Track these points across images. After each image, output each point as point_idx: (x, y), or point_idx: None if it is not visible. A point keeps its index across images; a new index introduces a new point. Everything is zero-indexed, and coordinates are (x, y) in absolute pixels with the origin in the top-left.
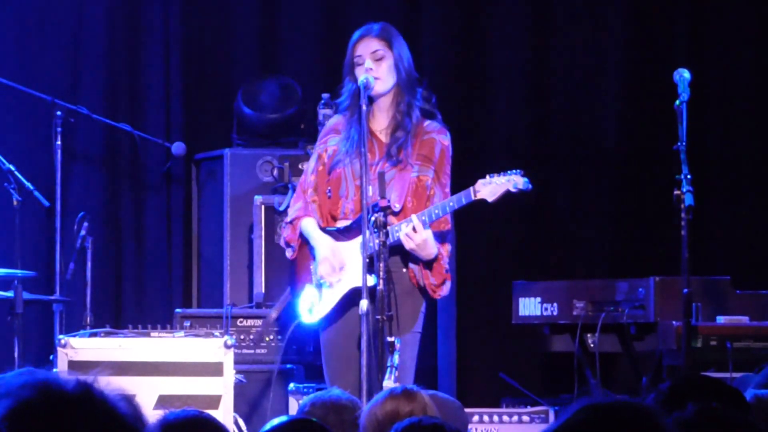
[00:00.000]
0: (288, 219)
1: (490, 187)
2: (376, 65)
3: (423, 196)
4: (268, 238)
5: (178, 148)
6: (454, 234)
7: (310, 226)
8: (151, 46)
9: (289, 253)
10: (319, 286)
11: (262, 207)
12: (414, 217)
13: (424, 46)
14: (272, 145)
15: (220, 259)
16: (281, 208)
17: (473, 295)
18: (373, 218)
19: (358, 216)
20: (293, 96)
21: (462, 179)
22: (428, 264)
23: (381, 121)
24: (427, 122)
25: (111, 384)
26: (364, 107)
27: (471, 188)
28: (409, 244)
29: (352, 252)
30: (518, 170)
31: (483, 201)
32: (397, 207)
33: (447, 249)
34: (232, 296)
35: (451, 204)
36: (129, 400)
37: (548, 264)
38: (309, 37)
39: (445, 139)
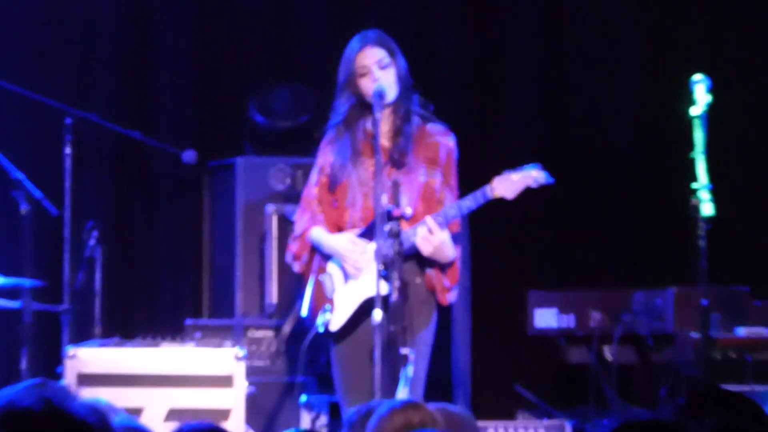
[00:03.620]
0: (296, 233)
1: (507, 184)
2: (383, 74)
3: (432, 200)
4: (280, 248)
5: (189, 155)
6: (469, 241)
7: (321, 232)
8: (162, 52)
9: (296, 267)
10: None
11: (275, 216)
12: (429, 218)
13: (438, 48)
14: (285, 153)
15: (232, 268)
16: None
17: (488, 305)
18: (387, 227)
19: (370, 223)
20: (306, 103)
21: (476, 183)
22: (445, 267)
23: (382, 126)
24: (429, 125)
25: (80, 393)
26: (378, 115)
27: (487, 186)
28: (426, 249)
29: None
30: (536, 164)
31: (502, 200)
32: (409, 212)
33: (458, 252)
34: (243, 307)
35: (467, 204)
36: (96, 409)
37: (565, 273)
38: (322, 44)
39: (450, 141)
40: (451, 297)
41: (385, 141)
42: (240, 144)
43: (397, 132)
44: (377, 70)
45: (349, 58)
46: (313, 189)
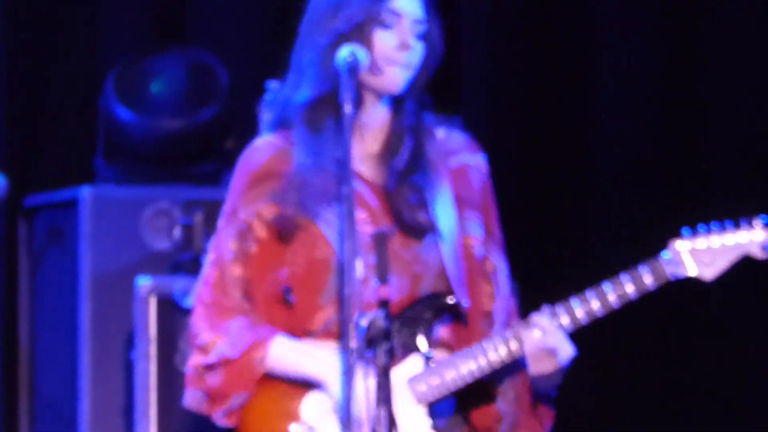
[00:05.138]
0: (230, 353)
1: (708, 254)
2: (417, 46)
3: (477, 275)
4: (163, 358)
5: None
6: None
7: (291, 347)
8: None
9: (221, 417)
10: None
11: (152, 298)
12: (543, 317)
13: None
14: (172, 180)
15: (72, 396)
16: (189, 305)
17: None
18: (367, 321)
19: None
20: (213, 86)
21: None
22: (544, 401)
23: (371, 144)
24: (441, 132)
25: None
26: (347, 109)
27: (663, 259)
28: (546, 368)
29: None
30: (764, 216)
31: (692, 282)
32: (465, 304)
33: None
34: None
35: (628, 290)
36: None
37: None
38: None
39: (481, 161)
40: None
41: (370, 171)
42: (88, 163)
43: (397, 156)
44: (411, 35)
45: None
46: (233, 269)
